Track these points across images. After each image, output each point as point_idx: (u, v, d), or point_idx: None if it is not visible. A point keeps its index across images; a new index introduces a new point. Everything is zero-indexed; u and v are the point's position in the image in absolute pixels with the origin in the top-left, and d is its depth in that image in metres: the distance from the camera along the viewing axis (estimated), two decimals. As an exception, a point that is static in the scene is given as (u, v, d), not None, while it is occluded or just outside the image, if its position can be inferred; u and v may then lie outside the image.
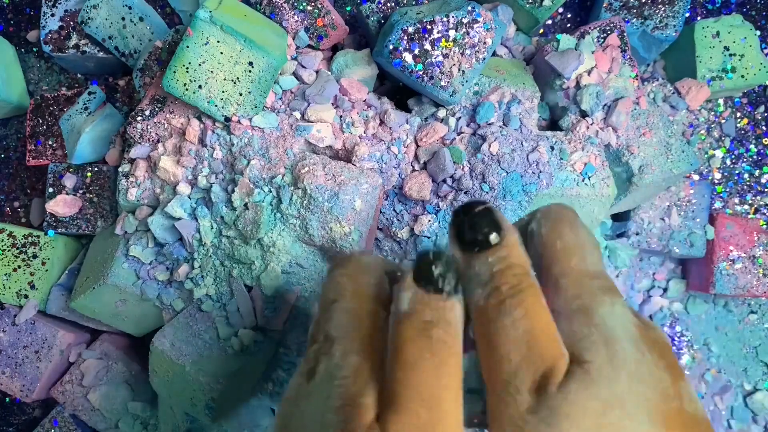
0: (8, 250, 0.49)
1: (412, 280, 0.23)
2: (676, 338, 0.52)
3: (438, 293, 0.23)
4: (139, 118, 0.43)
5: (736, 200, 0.53)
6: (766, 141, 0.53)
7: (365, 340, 0.24)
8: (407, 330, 0.22)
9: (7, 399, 0.53)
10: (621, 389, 0.21)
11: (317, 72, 0.44)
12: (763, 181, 0.53)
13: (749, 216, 0.52)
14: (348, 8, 0.50)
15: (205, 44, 0.39)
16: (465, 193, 0.42)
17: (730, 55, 0.49)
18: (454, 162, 0.42)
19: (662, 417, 0.21)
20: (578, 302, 0.23)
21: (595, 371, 0.21)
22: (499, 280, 0.22)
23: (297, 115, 0.42)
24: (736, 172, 0.53)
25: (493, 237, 0.23)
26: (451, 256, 0.24)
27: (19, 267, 0.48)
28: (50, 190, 0.48)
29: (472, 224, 0.24)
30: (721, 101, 0.52)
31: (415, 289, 0.23)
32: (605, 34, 0.45)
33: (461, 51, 0.41)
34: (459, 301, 0.23)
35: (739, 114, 0.53)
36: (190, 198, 0.42)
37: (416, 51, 0.41)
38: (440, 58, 0.41)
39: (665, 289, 0.51)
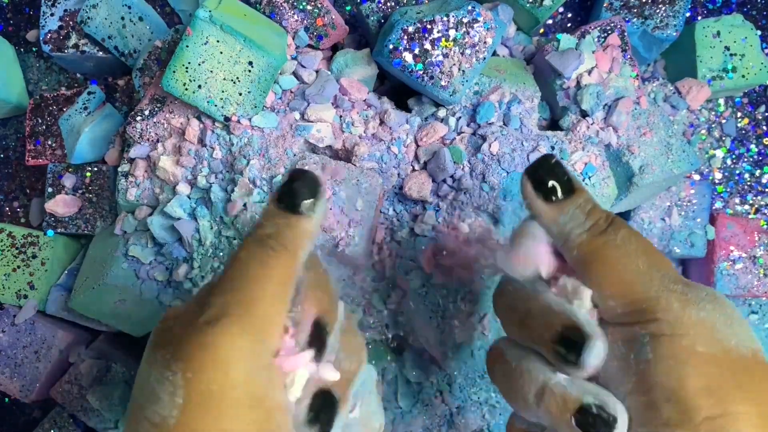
0: (8, 250, 0.48)
1: (276, 197, 0.27)
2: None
3: (288, 210, 0.26)
4: (138, 118, 0.43)
5: (737, 200, 0.52)
6: (766, 141, 0.53)
7: None
8: (248, 239, 0.26)
9: (7, 399, 0.53)
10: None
11: (317, 72, 0.44)
12: (763, 181, 0.53)
13: (750, 216, 0.52)
14: (348, 8, 0.50)
15: (205, 44, 0.39)
16: (465, 193, 0.42)
17: (731, 54, 0.49)
18: (454, 162, 0.42)
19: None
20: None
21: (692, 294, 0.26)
22: (595, 215, 0.26)
23: (297, 115, 0.42)
24: (737, 172, 0.53)
25: (575, 183, 0.27)
26: (314, 177, 0.27)
27: (19, 267, 0.48)
28: (49, 190, 0.48)
29: (554, 174, 0.27)
30: (721, 101, 0.52)
31: (273, 205, 0.26)
32: (606, 34, 0.45)
33: (461, 51, 0.41)
34: (308, 219, 0.26)
35: (739, 114, 0.53)
36: (189, 198, 0.42)
37: (416, 51, 0.41)
38: (440, 57, 0.41)
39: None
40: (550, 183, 0.27)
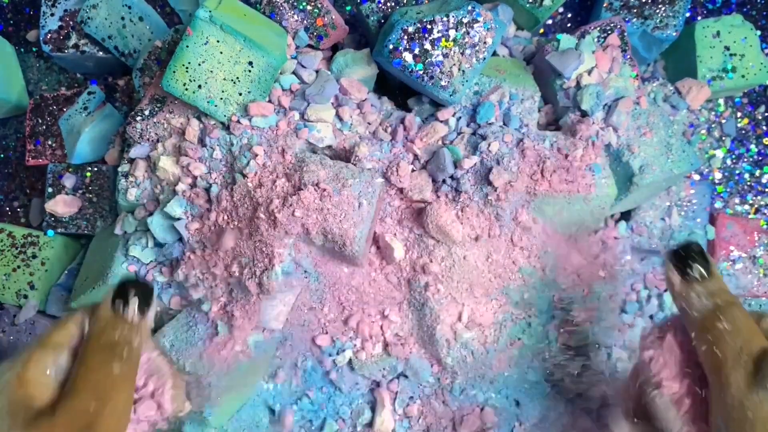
0: (8, 250, 0.48)
1: (110, 302, 0.30)
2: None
3: (127, 316, 0.29)
4: (138, 118, 0.43)
5: (737, 200, 0.52)
6: (766, 141, 0.53)
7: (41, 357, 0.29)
8: (95, 343, 0.29)
9: (7, 399, 0.53)
10: None
11: (317, 72, 0.44)
12: (763, 181, 0.53)
13: (750, 216, 0.52)
14: (348, 8, 0.50)
15: (205, 44, 0.39)
16: (465, 192, 0.42)
17: (731, 54, 0.49)
18: (454, 162, 0.42)
19: None
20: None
21: None
22: (716, 298, 0.31)
23: (297, 114, 0.42)
24: (737, 172, 0.53)
25: (710, 268, 0.32)
26: (150, 284, 0.32)
27: (19, 267, 0.48)
28: (50, 190, 0.48)
29: (693, 259, 0.32)
30: (721, 101, 0.52)
31: (110, 311, 0.30)
32: (605, 34, 0.45)
33: (461, 51, 0.41)
34: (144, 321, 0.30)
35: (739, 114, 0.53)
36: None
37: (416, 51, 0.41)
38: (440, 57, 0.41)
39: (665, 290, 0.51)
40: (696, 269, 0.32)
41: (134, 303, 0.30)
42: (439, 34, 0.40)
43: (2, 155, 0.53)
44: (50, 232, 0.48)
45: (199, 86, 0.40)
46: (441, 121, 0.43)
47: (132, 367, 0.29)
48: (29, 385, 0.27)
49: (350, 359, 0.45)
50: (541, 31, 0.52)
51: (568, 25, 0.53)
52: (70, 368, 0.29)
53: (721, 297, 0.31)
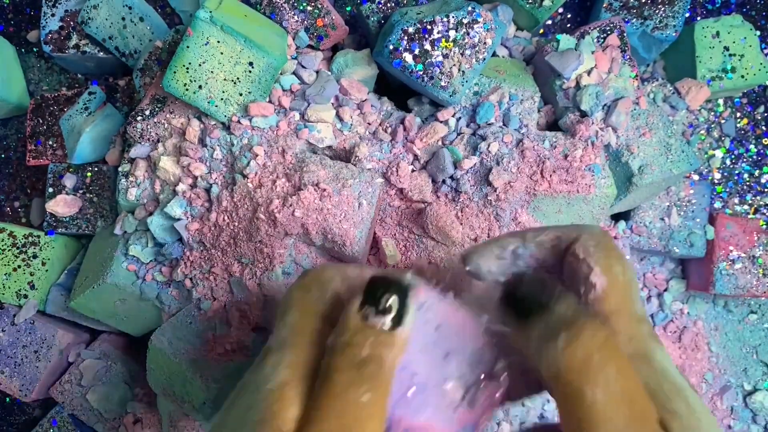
0: (8, 250, 0.49)
1: (358, 307, 0.23)
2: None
3: (381, 325, 0.23)
4: (139, 118, 0.43)
5: (736, 200, 0.53)
6: (766, 141, 0.53)
7: (300, 356, 0.23)
8: (341, 360, 0.22)
9: (8, 399, 0.53)
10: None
11: (317, 72, 0.44)
12: (763, 181, 0.53)
13: (749, 216, 0.52)
14: (348, 8, 0.50)
15: (206, 44, 0.39)
16: (464, 193, 0.42)
17: (730, 55, 0.49)
18: (454, 162, 0.42)
19: None
20: (635, 346, 0.23)
21: (687, 420, 0.21)
22: (577, 337, 0.21)
23: (297, 115, 0.42)
24: (736, 172, 0.53)
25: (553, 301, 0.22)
26: (406, 285, 0.23)
27: (19, 267, 0.48)
28: (50, 190, 0.48)
29: (528, 293, 0.23)
30: (721, 101, 0.52)
31: (358, 318, 0.23)
32: (605, 34, 0.45)
33: (461, 51, 0.41)
34: (403, 331, 0.23)
35: (739, 114, 0.53)
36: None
37: (416, 51, 0.41)
38: (440, 58, 0.41)
39: (665, 289, 0.51)
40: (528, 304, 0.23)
41: (389, 309, 0.23)
42: (439, 35, 0.41)
43: (3, 155, 0.54)
44: (51, 232, 0.48)
45: (200, 86, 0.40)
46: (441, 122, 0.43)
47: (383, 391, 0.22)
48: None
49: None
50: (541, 31, 0.52)
51: (568, 25, 0.53)
52: (312, 363, 0.23)
53: (584, 329, 0.21)
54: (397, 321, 0.23)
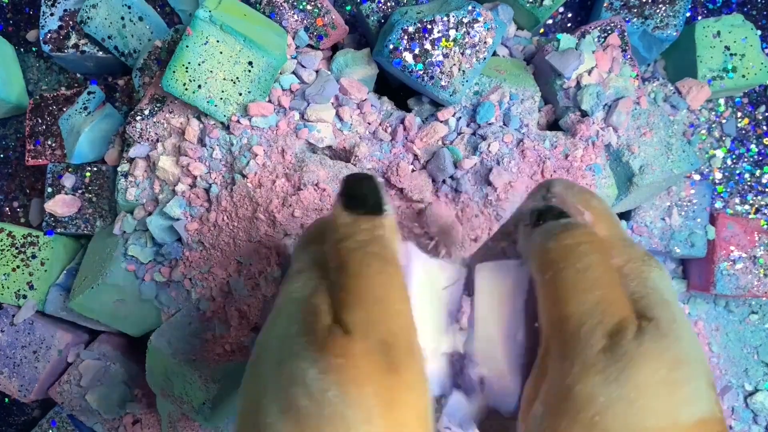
0: (7, 250, 0.48)
1: (341, 206, 0.25)
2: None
3: (366, 214, 0.25)
4: (138, 118, 0.43)
5: (737, 200, 0.52)
6: (766, 141, 0.53)
7: (324, 270, 0.25)
8: (346, 248, 0.24)
9: (7, 399, 0.53)
10: (686, 348, 0.22)
11: (317, 72, 0.44)
12: (764, 181, 0.53)
13: (750, 216, 0.52)
14: (348, 8, 0.50)
15: (205, 44, 0.39)
16: (465, 193, 0.42)
17: (731, 54, 0.49)
18: (454, 162, 0.42)
19: (710, 382, 0.22)
20: (630, 266, 0.24)
21: (665, 326, 0.22)
22: (570, 230, 0.24)
23: (297, 115, 0.42)
24: (737, 172, 0.53)
25: (554, 201, 0.26)
26: (375, 177, 0.26)
27: (18, 267, 0.48)
28: (49, 190, 0.48)
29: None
30: (721, 101, 0.52)
31: (344, 215, 0.25)
32: (606, 34, 0.45)
33: (461, 51, 0.41)
34: (387, 217, 0.25)
35: (739, 114, 0.53)
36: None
37: (416, 51, 0.41)
38: (440, 57, 0.41)
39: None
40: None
41: (372, 196, 0.25)
42: (439, 34, 0.40)
43: (2, 155, 0.53)
44: (50, 232, 0.48)
45: (199, 86, 0.40)
46: (441, 121, 0.43)
47: (394, 267, 0.24)
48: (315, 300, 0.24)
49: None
50: (541, 31, 0.52)
51: (568, 25, 0.53)
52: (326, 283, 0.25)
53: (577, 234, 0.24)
54: (378, 207, 0.25)
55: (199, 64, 0.39)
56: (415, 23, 0.40)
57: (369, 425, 0.20)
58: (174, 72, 0.40)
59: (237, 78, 0.40)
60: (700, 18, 0.53)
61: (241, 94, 0.40)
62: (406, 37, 0.40)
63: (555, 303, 0.23)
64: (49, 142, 0.49)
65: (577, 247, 0.23)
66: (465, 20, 0.41)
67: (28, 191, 0.53)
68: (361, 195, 0.25)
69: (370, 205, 0.25)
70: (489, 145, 0.41)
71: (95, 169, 0.48)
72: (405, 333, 0.23)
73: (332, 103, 0.43)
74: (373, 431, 0.20)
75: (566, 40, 0.44)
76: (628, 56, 0.45)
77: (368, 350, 0.21)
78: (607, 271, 0.23)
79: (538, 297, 0.24)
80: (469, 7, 0.41)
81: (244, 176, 0.41)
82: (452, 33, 0.41)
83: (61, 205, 0.47)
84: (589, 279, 0.23)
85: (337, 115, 0.43)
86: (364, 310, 0.22)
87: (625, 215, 0.49)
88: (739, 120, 0.53)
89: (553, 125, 0.47)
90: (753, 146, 0.53)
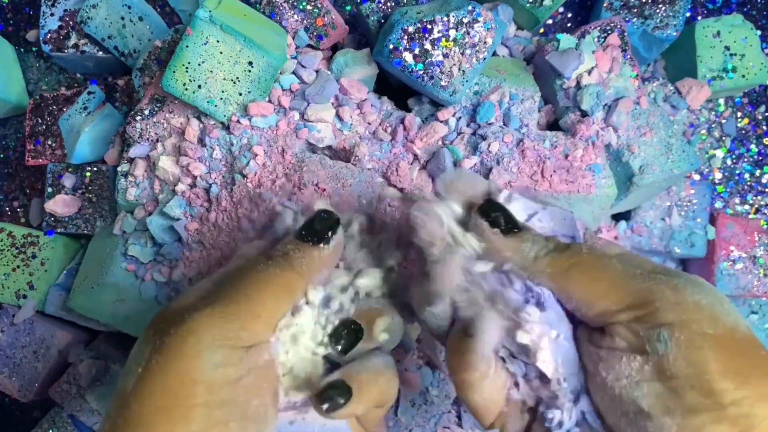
0: (7, 250, 0.48)
1: (297, 232, 0.30)
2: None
3: (302, 239, 0.30)
4: (138, 118, 0.43)
5: (737, 200, 0.52)
6: (766, 141, 0.53)
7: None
8: (261, 255, 0.30)
9: (6, 399, 0.53)
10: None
11: (317, 72, 0.44)
12: (763, 181, 0.53)
13: (750, 216, 0.52)
14: (348, 8, 0.50)
15: (205, 44, 0.39)
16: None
17: (731, 54, 0.49)
18: (454, 162, 0.42)
19: None
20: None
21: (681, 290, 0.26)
22: (553, 240, 0.29)
23: (297, 114, 0.42)
24: (737, 172, 0.53)
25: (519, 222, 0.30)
26: (333, 215, 0.31)
27: (18, 267, 0.48)
28: (49, 189, 0.48)
29: (504, 213, 0.29)
30: (721, 101, 0.52)
31: (293, 236, 0.30)
32: (606, 34, 0.45)
33: (461, 51, 0.41)
34: (319, 249, 0.30)
35: (739, 114, 0.53)
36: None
37: (416, 50, 0.41)
38: (440, 57, 0.41)
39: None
40: (502, 219, 0.29)
41: (320, 233, 0.30)
42: (439, 34, 0.40)
43: (2, 155, 0.53)
44: (50, 232, 0.48)
45: (199, 86, 0.40)
46: (441, 121, 0.43)
47: (288, 280, 0.29)
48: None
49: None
50: (541, 31, 0.52)
51: (568, 25, 0.53)
52: None
53: (554, 240, 0.29)
54: (318, 240, 0.30)
55: (199, 64, 0.39)
56: (415, 23, 0.40)
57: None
58: (174, 72, 0.40)
59: (237, 78, 0.40)
60: (700, 18, 0.53)
61: (241, 94, 0.40)
62: (406, 37, 0.40)
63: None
64: (49, 142, 0.49)
65: (578, 247, 0.29)
66: (465, 20, 0.41)
67: (28, 191, 0.53)
68: (312, 228, 0.30)
69: (316, 238, 0.30)
70: (489, 145, 0.41)
71: (95, 169, 0.48)
72: (250, 317, 0.27)
73: (332, 103, 0.43)
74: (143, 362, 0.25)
75: (566, 40, 0.44)
76: (628, 56, 0.45)
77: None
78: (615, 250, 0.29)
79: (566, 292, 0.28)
80: (469, 7, 0.41)
81: (244, 176, 0.41)
82: (452, 33, 0.41)
83: (61, 205, 0.47)
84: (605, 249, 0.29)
85: (337, 115, 0.43)
86: (222, 287, 0.27)
87: (625, 215, 0.49)
88: (739, 120, 0.53)
89: (553, 125, 0.47)
90: (753, 146, 0.53)
